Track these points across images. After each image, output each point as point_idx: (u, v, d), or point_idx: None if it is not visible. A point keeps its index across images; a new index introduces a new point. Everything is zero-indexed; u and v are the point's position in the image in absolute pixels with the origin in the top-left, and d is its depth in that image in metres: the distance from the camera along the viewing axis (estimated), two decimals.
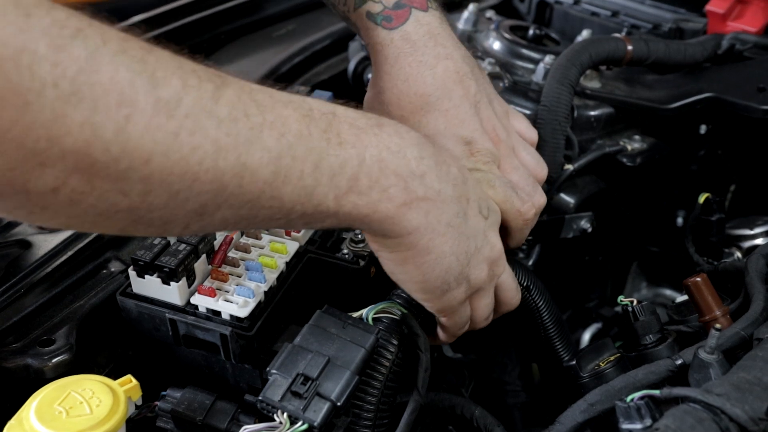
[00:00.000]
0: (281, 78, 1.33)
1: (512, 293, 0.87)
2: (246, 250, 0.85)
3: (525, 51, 1.21)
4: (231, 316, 0.78)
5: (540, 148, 1.02)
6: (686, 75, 1.16)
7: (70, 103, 0.49)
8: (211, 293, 0.79)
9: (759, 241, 1.04)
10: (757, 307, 0.80)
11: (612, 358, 0.87)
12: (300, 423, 0.70)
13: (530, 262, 1.12)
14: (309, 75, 1.36)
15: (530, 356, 1.17)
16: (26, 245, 0.92)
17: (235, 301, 0.79)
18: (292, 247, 0.85)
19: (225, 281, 0.81)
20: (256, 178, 0.59)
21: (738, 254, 1.04)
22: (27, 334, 0.85)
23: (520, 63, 1.20)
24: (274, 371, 0.73)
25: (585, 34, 1.23)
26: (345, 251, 0.91)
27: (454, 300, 0.77)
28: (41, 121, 0.49)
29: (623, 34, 1.29)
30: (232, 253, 0.84)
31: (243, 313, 0.78)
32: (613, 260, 1.31)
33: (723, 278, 0.92)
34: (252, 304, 0.78)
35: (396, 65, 0.86)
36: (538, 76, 1.14)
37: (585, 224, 1.10)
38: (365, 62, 1.28)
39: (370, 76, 0.93)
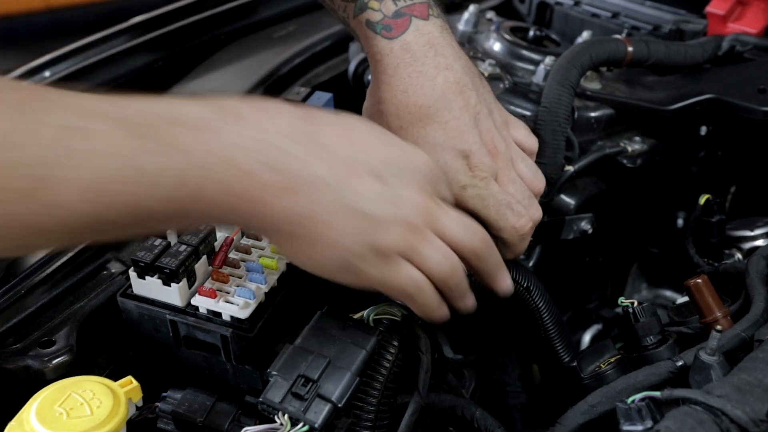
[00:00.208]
0: (281, 79, 1.33)
1: (466, 233, 0.76)
2: (247, 251, 0.85)
3: (525, 52, 1.21)
4: (232, 317, 0.78)
5: (540, 149, 1.02)
6: (686, 76, 1.16)
7: None
8: (212, 294, 0.79)
9: (759, 242, 1.04)
10: (758, 308, 0.80)
11: (612, 360, 0.87)
12: (301, 424, 0.70)
13: (530, 264, 1.12)
14: (309, 76, 1.36)
15: (531, 357, 1.17)
16: None
17: (236, 303, 0.79)
18: None
19: (226, 282, 0.81)
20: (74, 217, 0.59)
21: (738, 255, 1.04)
22: (27, 336, 0.85)
23: (520, 64, 1.20)
24: (274, 372, 0.73)
25: (585, 35, 1.24)
26: None
27: (377, 275, 0.70)
28: None
29: (623, 35, 1.29)
30: (233, 255, 0.84)
31: (244, 314, 0.78)
32: (613, 261, 1.31)
33: (723, 279, 0.92)
34: (253, 305, 0.78)
35: (395, 75, 0.85)
36: (538, 78, 1.14)
37: (585, 225, 1.10)
38: (366, 63, 1.28)
39: (370, 77, 0.93)
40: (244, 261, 0.83)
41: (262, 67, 1.32)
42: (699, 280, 0.84)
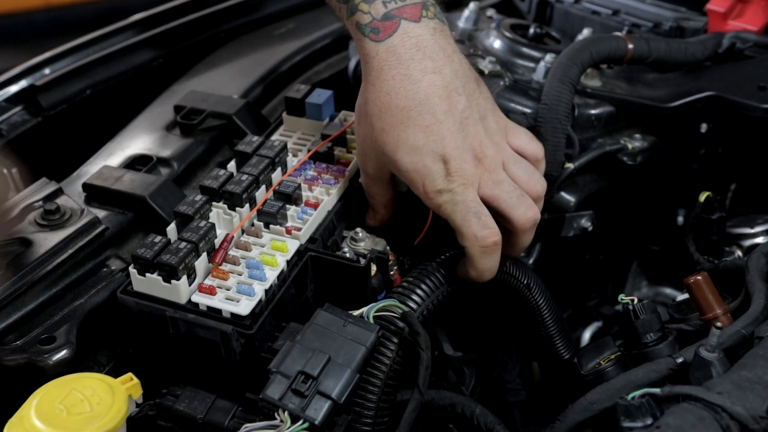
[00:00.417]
0: (282, 77, 1.33)
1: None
2: (247, 248, 0.85)
3: (526, 49, 1.21)
4: (232, 314, 0.78)
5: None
6: (687, 74, 1.16)
7: None
8: (212, 291, 0.79)
9: (759, 239, 1.04)
10: (758, 305, 0.80)
11: (613, 357, 0.87)
12: (301, 421, 0.70)
13: (531, 261, 1.12)
14: (309, 73, 1.36)
15: (531, 354, 1.17)
16: (27, 243, 0.92)
17: (236, 300, 0.79)
18: (292, 245, 0.85)
19: (226, 279, 0.81)
20: None
21: (738, 253, 1.04)
22: (28, 332, 0.85)
23: (520, 61, 1.20)
24: (274, 369, 0.73)
25: (586, 32, 1.24)
26: (345, 250, 0.91)
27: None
28: None
29: (624, 32, 1.29)
30: (233, 252, 0.84)
31: (244, 311, 0.78)
32: (613, 259, 1.31)
33: (724, 277, 0.92)
34: (253, 302, 0.78)
35: (380, 78, 0.85)
36: (538, 75, 1.14)
37: (585, 223, 1.10)
38: None
39: None
40: (244, 258, 0.83)
41: (263, 64, 1.32)
42: (699, 278, 0.84)
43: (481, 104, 0.87)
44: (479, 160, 0.85)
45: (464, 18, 1.29)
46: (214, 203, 0.88)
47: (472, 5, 1.29)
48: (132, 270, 0.81)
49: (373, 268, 0.89)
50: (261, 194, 0.90)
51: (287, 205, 0.89)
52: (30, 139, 1.25)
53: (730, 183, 1.26)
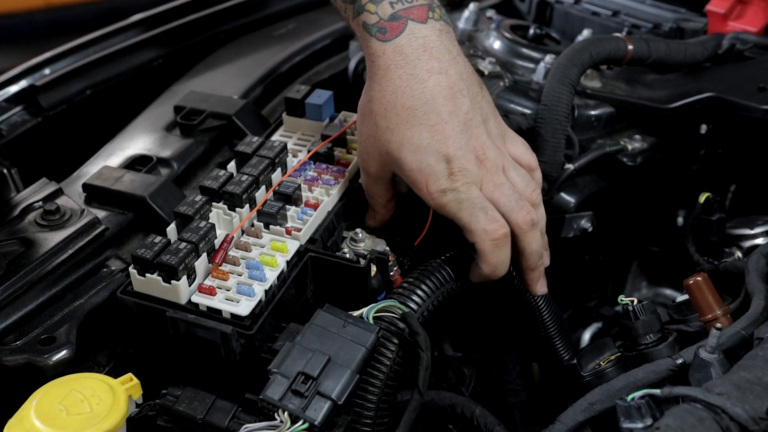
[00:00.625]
0: (282, 77, 1.33)
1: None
2: (246, 248, 0.85)
3: (525, 50, 1.21)
4: (232, 314, 0.78)
5: (540, 147, 1.03)
6: (687, 75, 1.17)
7: None
8: (212, 292, 0.79)
9: (759, 240, 1.04)
10: (758, 306, 0.80)
11: (612, 358, 0.87)
12: (301, 422, 0.70)
13: None
14: (309, 74, 1.36)
15: (531, 355, 1.17)
16: (27, 243, 0.92)
17: (236, 300, 0.79)
18: (292, 246, 0.85)
19: (226, 280, 0.81)
20: None
21: (738, 254, 1.04)
22: (28, 333, 0.85)
23: (520, 62, 1.20)
24: (274, 370, 0.73)
25: (585, 33, 1.24)
26: (345, 250, 0.91)
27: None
28: None
29: (624, 33, 1.29)
30: (233, 252, 0.84)
31: (244, 311, 0.78)
32: (613, 260, 1.31)
33: (723, 278, 0.92)
34: (252, 302, 0.78)
35: (386, 77, 0.85)
36: (538, 76, 1.14)
37: (585, 224, 1.10)
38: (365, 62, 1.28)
39: None
40: (244, 258, 0.83)
41: (263, 65, 1.32)
42: (699, 279, 0.84)
43: (483, 107, 0.88)
44: (481, 161, 0.86)
45: (464, 19, 1.29)
46: (214, 204, 0.88)
47: (472, 6, 1.29)
48: (132, 270, 0.81)
49: (373, 268, 0.89)
50: (261, 195, 0.90)
51: (287, 206, 0.89)
52: (30, 140, 1.25)
53: (730, 184, 1.26)
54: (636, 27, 1.34)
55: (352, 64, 1.32)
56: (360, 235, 0.92)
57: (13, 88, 1.27)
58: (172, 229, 0.85)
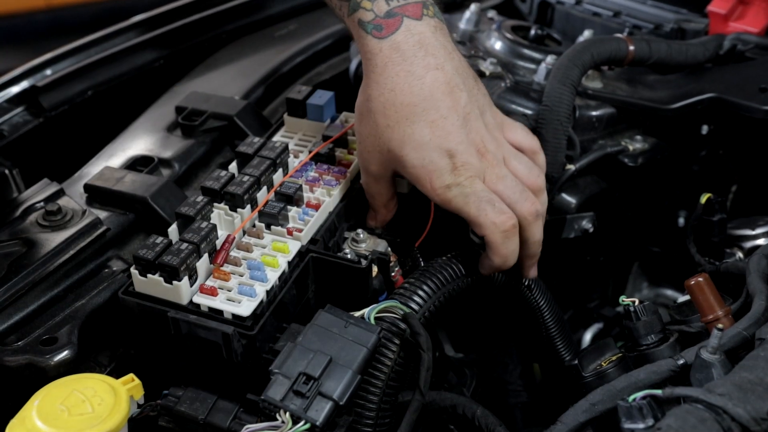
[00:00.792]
0: (283, 78, 1.33)
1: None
2: (248, 249, 0.85)
3: (527, 51, 1.21)
4: (233, 315, 0.78)
5: (541, 148, 1.03)
6: (688, 75, 1.17)
7: None
8: (213, 292, 0.79)
9: (761, 241, 1.04)
10: (759, 307, 0.80)
11: (614, 358, 0.87)
12: (302, 422, 0.70)
13: None
14: (311, 75, 1.36)
15: (532, 356, 1.17)
16: (28, 244, 0.92)
17: (237, 301, 0.79)
18: (294, 246, 0.85)
19: (227, 280, 0.81)
20: None
21: (740, 254, 1.04)
22: (29, 333, 0.85)
23: (521, 63, 1.20)
24: (276, 370, 0.73)
25: (587, 34, 1.24)
26: (347, 251, 0.91)
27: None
28: None
29: (625, 34, 1.29)
30: (234, 253, 0.84)
31: (245, 312, 0.78)
32: (614, 260, 1.31)
33: (725, 278, 0.92)
34: (254, 303, 0.79)
35: (384, 74, 0.85)
36: (539, 76, 1.14)
37: (586, 224, 1.10)
38: None
39: None
40: (245, 259, 0.83)
41: (264, 65, 1.32)
42: (700, 279, 0.84)
43: (479, 100, 0.89)
44: (482, 154, 0.86)
45: (465, 19, 1.29)
46: (215, 204, 0.88)
47: (473, 6, 1.29)
48: (133, 271, 0.81)
49: (375, 269, 0.89)
50: (262, 195, 0.90)
51: (288, 206, 0.89)
52: (31, 140, 1.25)
53: (731, 184, 1.26)
54: (637, 28, 1.34)
55: (353, 65, 1.32)
56: (361, 235, 0.92)
57: (15, 89, 1.27)
58: (173, 230, 0.86)
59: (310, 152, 0.99)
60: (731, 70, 1.17)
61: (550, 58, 1.15)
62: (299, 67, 1.36)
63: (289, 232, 0.87)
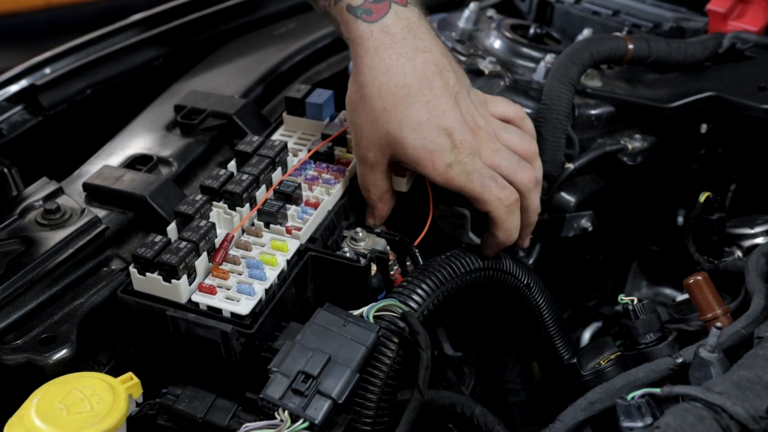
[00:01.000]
0: (282, 76, 1.33)
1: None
2: (247, 248, 0.85)
3: (526, 50, 1.21)
4: (232, 313, 0.78)
5: (541, 147, 1.02)
6: (687, 74, 1.17)
7: None
8: (212, 291, 0.79)
9: (759, 240, 1.04)
10: (758, 305, 0.80)
11: (612, 357, 0.87)
12: (301, 421, 0.70)
13: (531, 261, 1.12)
14: (310, 73, 1.36)
15: (531, 355, 1.17)
16: (27, 242, 0.92)
17: (236, 299, 0.79)
18: (292, 245, 0.85)
19: (226, 279, 0.81)
20: None
21: (738, 253, 1.04)
22: (28, 332, 0.85)
23: (520, 62, 1.20)
24: (275, 369, 0.73)
25: (586, 33, 1.24)
26: (345, 249, 0.91)
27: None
28: None
29: (624, 33, 1.29)
30: (233, 251, 0.84)
31: (244, 310, 0.78)
32: (613, 259, 1.31)
33: (723, 277, 0.92)
34: (253, 301, 0.79)
35: (376, 57, 0.87)
36: (539, 75, 1.14)
37: (585, 223, 1.10)
38: None
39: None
40: (244, 257, 0.83)
41: (263, 64, 1.32)
42: (699, 278, 0.84)
43: (464, 81, 0.91)
44: (475, 131, 0.88)
45: (464, 18, 1.29)
46: (214, 203, 0.88)
47: (472, 5, 1.29)
48: (132, 269, 0.81)
49: (373, 267, 0.89)
50: (261, 194, 0.90)
51: (287, 205, 0.89)
52: (30, 139, 1.25)
53: (730, 183, 1.26)
54: (636, 26, 1.34)
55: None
56: (360, 234, 0.92)
57: (14, 88, 1.27)
58: (172, 229, 0.86)
59: (309, 151, 0.99)
60: (730, 68, 1.17)
61: (549, 57, 1.15)
62: (298, 65, 1.36)
63: (288, 231, 0.87)
